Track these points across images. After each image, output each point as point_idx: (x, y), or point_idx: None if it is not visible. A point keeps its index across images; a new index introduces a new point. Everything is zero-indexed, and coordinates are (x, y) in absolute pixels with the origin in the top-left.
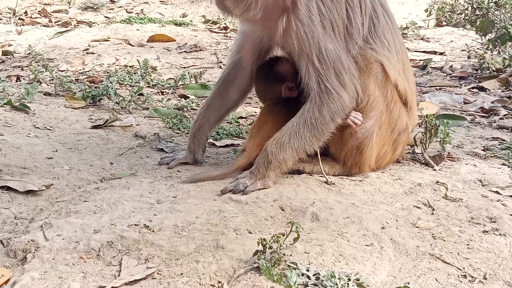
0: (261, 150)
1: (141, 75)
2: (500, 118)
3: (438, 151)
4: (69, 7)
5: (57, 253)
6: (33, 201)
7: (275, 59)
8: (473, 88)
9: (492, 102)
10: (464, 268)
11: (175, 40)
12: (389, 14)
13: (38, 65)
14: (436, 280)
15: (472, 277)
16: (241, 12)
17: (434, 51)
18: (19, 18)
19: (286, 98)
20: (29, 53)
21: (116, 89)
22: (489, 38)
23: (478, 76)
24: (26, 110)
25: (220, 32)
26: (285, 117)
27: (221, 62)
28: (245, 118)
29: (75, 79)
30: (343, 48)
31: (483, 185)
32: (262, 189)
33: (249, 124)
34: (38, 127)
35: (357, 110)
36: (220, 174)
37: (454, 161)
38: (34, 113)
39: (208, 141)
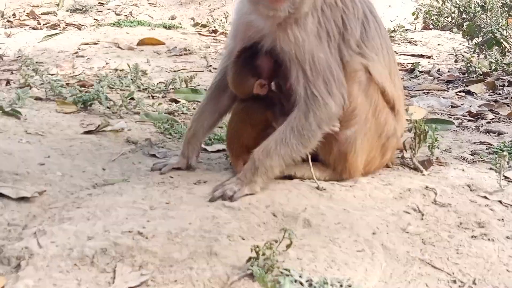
0: (244, 159)
1: (132, 79)
2: (487, 122)
3: (427, 155)
4: (58, 9)
5: (51, 260)
6: (26, 207)
7: (254, 51)
8: (460, 91)
9: (479, 106)
10: (453, 273)
11: (165, 44)
12: (378, 19)
13: (28, 69)
14: (427, 285)
15: (461, 282)
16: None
17: (421, 55)
18: (7, 20)
19: (256, 96)
20: (18, 57)
21: (107, 93)
22: (476, 42)
23: (465, 80)
24: (17, 116)
25: (210, 36)
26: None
27: (211, 65)
28: None
29: (66, 83)
30: (334, 58)
31: (471, 190)
32: (250, 194)
33: None
34: (30, 133)
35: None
36: None
37: (443, 165)
38: (26, 119)
39: None
